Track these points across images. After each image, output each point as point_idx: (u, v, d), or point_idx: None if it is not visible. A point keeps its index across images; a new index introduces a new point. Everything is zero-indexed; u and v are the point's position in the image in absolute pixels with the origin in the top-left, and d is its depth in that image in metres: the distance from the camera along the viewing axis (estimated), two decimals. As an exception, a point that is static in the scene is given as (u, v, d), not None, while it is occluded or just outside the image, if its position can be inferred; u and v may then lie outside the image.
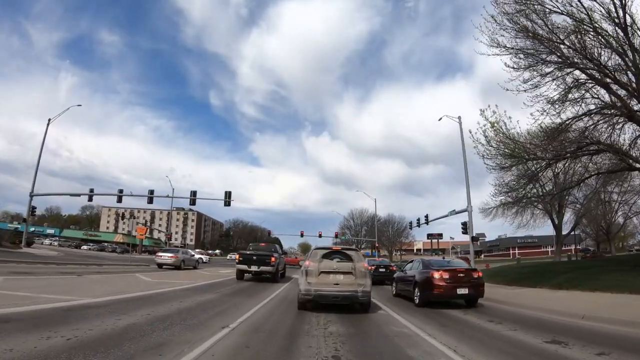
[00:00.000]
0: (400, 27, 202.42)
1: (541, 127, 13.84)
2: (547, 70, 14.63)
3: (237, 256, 19.32)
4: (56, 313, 6.92)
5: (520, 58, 14.94)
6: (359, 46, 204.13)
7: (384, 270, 20.99)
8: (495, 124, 14.11)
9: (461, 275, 10.89)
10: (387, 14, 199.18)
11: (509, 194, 18.06)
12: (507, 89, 13.68)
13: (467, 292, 10.69)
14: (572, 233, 38.83)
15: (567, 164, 16.16)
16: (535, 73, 14.79)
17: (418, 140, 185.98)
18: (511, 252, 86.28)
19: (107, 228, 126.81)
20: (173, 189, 47.27)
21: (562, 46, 13.32)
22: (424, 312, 10.01)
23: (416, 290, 11.41)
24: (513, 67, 14.43)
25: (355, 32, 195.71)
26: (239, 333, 6.28)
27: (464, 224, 29.37)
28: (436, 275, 10.69)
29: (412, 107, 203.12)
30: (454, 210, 32.85)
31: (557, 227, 32.04)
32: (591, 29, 13.41)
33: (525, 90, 13.81)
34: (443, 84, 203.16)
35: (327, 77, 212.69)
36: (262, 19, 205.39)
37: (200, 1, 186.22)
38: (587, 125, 13.87)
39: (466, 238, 33.23)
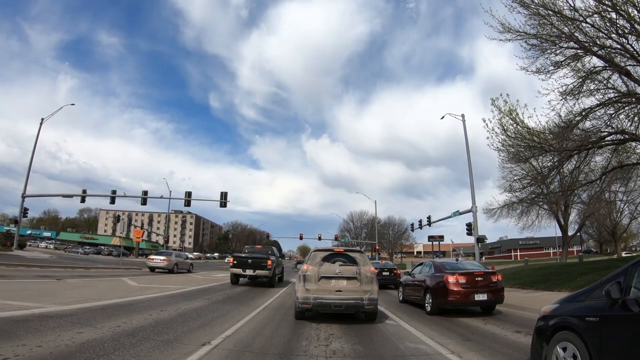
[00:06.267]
0: (401, 28, 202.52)
1: (560, 115, 12.75)
2: (561, 59, 13.71)
3: (230, 259, 18.13)
4: (5, 324, 5.80)
5: (532, 45, 13.99)
6: (360, 48, 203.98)
7: (388, 273, 19.82)
8: (513, 112, 13.03)
9: (479, 279, 9.68)
10: (387, 15, 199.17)
11: (524, 189, 16.94)
12: (525, 69, 12.52)
13: (486, 298, 9.49)
14: (578, 234, 37.74)
15: (583, 158, 15.03)
16: (548, 61, 13.91)
17: (418, 143, 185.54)
18: (513, 253, 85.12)
19: (105, 231, 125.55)
20: (170, 192, 46.28)
21: (582, 25, 12.19)
22: (437, 321, 8.84)
23: (427, 296, 10.24)
24: (525, 56, 13.49)
25: (356, 33, 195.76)
26: (220, 354, 5.12)
27: (469, 225, 28.49)
28: (451, 279, 9.49)
29: (412, 109, 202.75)
30: (458, 211, 31.99)
31: (563, 228, 30.99)
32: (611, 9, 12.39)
33: (542, 78, 12.69)
34: (444, 86, 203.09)
35: (328, 79, 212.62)
36: (262, 20, 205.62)
37: (199, 2, 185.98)
38: (609, 112, 12.77)
39: (468, 240, 32.23)
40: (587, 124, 13.91)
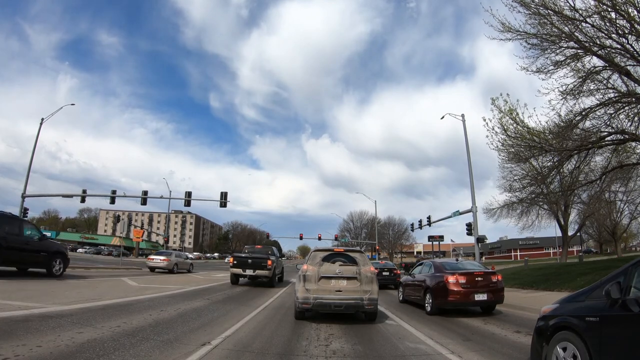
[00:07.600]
0: (402, 28, 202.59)
1: (560, 115, 12.78)
2: (561, 58, 13.73)
3: (230, 259, 18.13)
4: (5, 324, 5.78)
5: (533, 44, 14.01)
6: (360, 48, 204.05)
7: (388, 273, 19.83)
8: (513, 111, 13.06)
9: (479, 279, 9.69)
10: (388, 15, 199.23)
11: (524, 189, 16.96)
12: (525, 69, 12.55)
13: (485, 298, 9.51)
14: (578, 234, 37.74)
15: (583, 158, 15.05)
16: (548, 61, 13.95)
17: (419, 143, 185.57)
18: (513, 253, 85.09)
19: (105, 231, 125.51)
20: (170, 191, 46.26)
21: (582, 25, 12.20)
22: (437, 321, 8.85)
23: (427, 296, 10.24)
24: (525, 56, 13.55)
25: (356, 33, 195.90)
26: (220, 354, 5.11)
27: (469, 225, 28.41)
28: (451, 279, 9.50)
29: (412, 109, 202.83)
30: (458, 211, 31.93)
31: (563, 228, 31.00)
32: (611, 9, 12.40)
33: (542, 77, 12.71)
34: (444, 86, 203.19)
35: (328, 78, 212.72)
36: (263, 20, 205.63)
37: (200, 2, 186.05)
38: (609, 112, 12.79)
39: (468, 240, 32.20)
40: (587, 123, 13.94)
